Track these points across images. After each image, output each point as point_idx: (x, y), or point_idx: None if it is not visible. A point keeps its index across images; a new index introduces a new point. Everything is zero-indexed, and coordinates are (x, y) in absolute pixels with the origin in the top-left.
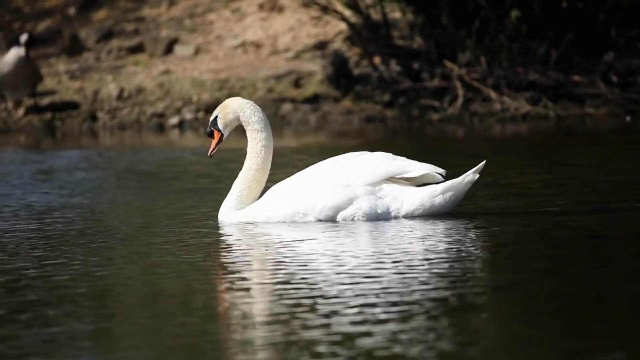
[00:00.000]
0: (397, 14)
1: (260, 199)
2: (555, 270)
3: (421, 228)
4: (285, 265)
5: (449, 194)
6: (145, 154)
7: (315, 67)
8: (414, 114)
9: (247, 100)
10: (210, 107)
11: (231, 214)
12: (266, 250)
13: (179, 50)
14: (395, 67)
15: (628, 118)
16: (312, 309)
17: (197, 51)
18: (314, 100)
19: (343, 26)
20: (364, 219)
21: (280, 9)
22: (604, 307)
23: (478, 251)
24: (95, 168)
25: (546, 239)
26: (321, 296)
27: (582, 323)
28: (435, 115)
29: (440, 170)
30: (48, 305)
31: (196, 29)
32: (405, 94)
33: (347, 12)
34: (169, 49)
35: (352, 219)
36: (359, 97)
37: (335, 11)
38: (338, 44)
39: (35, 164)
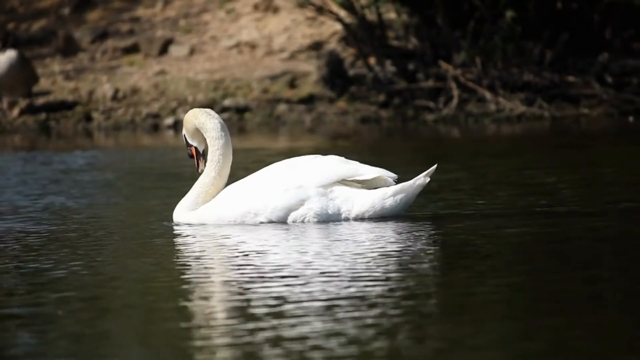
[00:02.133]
0: (392, 15)
1: (213, 199)
2: (517, 278)
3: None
4: (233, 266)
5: (399, 197)
6: (159, 154)
7: (311, 68)
8: (409, 115)
9: (203, 109)
10: (205, 108)
11: (185, 214)
12: (211, 251)
13: (173, 50)
14: (390, 67)
15: (631, 118)
16: (280, 309)
17: (192, 51)
18: (309, 100)
19: (338, 27)
20: (315, 220)
21: (275, 10)
22: (587, 313)
23: (430, 251)
24: (97, 169)
25: (509, 241)
26: (288, 296)
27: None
28: (430, 115)
29: (392, 175)
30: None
31: (191, 29)
32: (400, 94)
33: (342, 13)
34: (163, 49)
35: (303, 220)
36: (354, 98)
37: (331, 12)
38: (333, 45)
39: (47, 164)
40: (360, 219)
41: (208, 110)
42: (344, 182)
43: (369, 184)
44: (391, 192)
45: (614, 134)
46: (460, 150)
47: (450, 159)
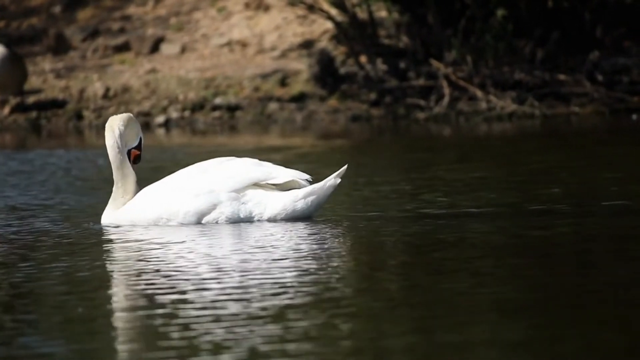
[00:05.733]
0: (383, 13)
1: (129, 202)
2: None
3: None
4: (141, 269)
5: (310, 199)
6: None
7: (302, 66)
8: (400, 113)
9: (114, 118)
10: (196, 106)
11: (107, 216)
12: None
13: (165, 48)
14: (381, 66)
15: (634, 116)
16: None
17: (183, 50)
18: (300, 99)
19: (329, 25)
20: (227, 223)
21: (267, 8)
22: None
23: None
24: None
25: (419, 241)
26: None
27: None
28: (421, 114)
29: (306, 177)
30: None
31: (182, 27)
32: (392, 92)
33: (334, 11)
34: (155, 47)
35: (215, 224)
36: (345, 96)
37: (322, 10)
38: (324, 43)
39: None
40: (273, 221)
41: (116, 120)
42: (257, 184)
43: (282, 186)
44: (302, 195)
45: (630, 132)
46: (457, 149)
47: (445, 160)
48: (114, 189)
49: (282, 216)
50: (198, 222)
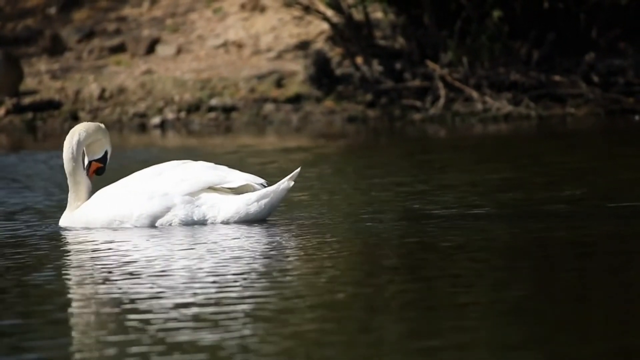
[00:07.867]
0: (379, 14)
1: (83, 204)
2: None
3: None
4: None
5: (263, 201)
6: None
7: (298, 67)
8: (395, 114)
9: (75, 128)
10: (192, 107)
11: (64, 219)
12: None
13: (160, 50)
14: (377, 67)
15: (637, 117)
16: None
17: (179, 51)
18: (296, 100)
19: (325, 26)
20: (180, 226)
21: (262, 9)
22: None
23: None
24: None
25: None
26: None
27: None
28: (417, 115)
29: (260, 181)
30: None
31: (178, 28)
32: (387, 94)
33: (329, 12)
34: (150, 48)
35: (169, 226)
36: (341, 97)
37: (317, 11)
38: (320, 44)
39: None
40: (227, 224)
41: (80, 127)
42: (213, 188)
43: (237, 190)
44: (255, 198)
45: (631, 133)
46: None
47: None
48: (69, 194)
49: (235, 219)
50: (152, 225)
